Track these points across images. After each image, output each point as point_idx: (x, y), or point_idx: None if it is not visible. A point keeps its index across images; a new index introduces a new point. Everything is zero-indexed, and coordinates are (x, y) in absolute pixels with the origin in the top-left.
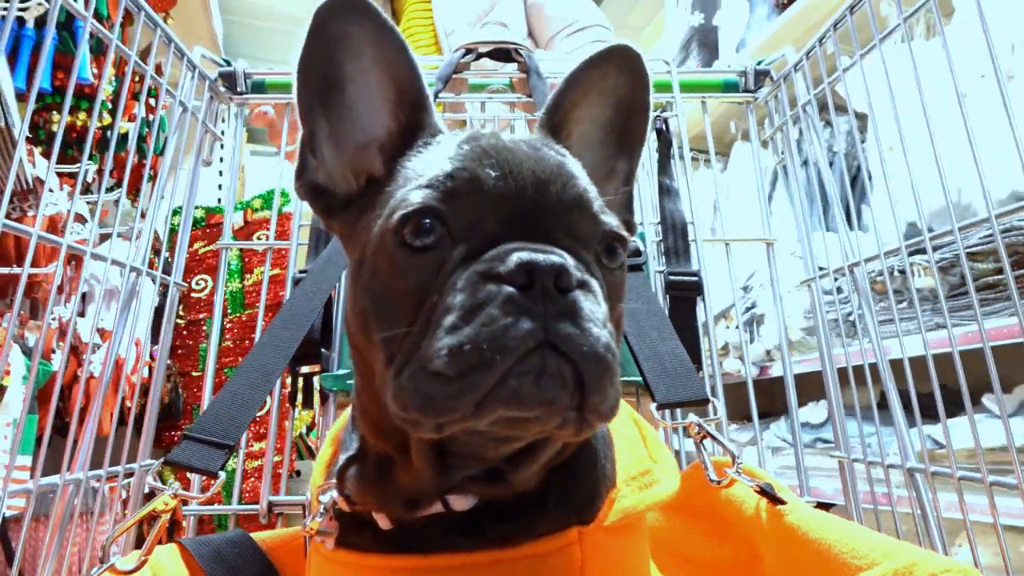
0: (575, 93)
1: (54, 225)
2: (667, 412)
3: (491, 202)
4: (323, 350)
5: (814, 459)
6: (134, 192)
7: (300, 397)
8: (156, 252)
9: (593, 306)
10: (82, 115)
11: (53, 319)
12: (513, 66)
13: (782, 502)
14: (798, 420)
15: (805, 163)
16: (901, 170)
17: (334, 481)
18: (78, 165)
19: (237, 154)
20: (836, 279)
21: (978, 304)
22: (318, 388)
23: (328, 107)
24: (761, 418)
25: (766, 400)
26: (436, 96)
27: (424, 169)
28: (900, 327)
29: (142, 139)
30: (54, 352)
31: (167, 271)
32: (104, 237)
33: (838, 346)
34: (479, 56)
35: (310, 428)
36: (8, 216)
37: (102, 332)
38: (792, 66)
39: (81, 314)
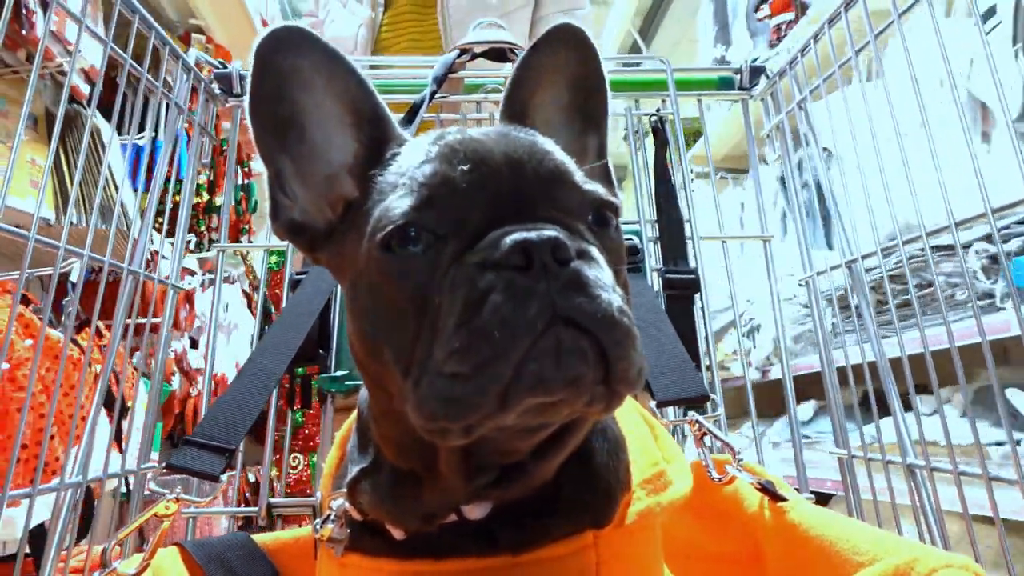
0: (529, 78)
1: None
2: (666, 409)
3: (470, 196)
4: (321, 351)
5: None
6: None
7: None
8: (255, 289)
9: (598, 272)
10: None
11: (171, 351)
12: (509, 66)
13: (783, 499)
14: (796, 418)
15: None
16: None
17: (344, 491)
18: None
19: (233, 155)
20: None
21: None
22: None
23: (288, 144)
24: (761, 418)
25: (765, 402)
26: (432, 97)
27: (397, 180)
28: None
29: (238, 202)
30: (173, 375)
31: (266, 307)
32: (211, 283)
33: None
34: (474, 56)
35: None
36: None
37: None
38: (787, 63)
39: (194, 345)
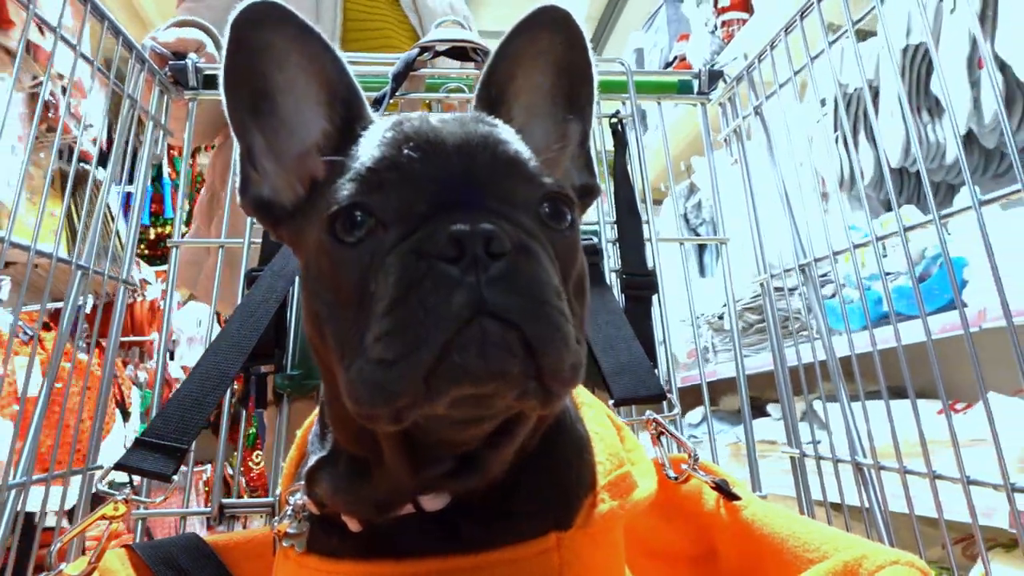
0: (508, 64)
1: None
2: (623, 408)
3: (417, 184)
4: (277, 349)
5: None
6: None
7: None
8: None
9: (535, 267)
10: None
11: (152, 363)
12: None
13: (737, 498)
14: (750, 423)
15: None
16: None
17: (303, 483)
18: (166, 266)
19: (189, 148)
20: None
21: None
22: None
23: (260, 119)
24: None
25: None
26: (392, 95)
27: (352, 163)
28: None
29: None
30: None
31: None
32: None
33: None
34: (436, 54)
35: None
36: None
37: (185, 368)
38: (744, 69)
39: (171, 357)
